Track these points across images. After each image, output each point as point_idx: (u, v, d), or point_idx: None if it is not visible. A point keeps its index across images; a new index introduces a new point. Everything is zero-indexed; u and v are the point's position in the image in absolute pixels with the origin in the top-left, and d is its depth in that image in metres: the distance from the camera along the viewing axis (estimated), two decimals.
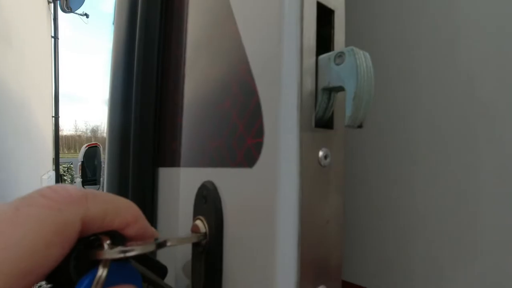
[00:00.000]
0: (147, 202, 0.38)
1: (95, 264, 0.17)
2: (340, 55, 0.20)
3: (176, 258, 0.32)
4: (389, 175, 0.41)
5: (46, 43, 3.40)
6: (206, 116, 0.28)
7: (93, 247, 0.18)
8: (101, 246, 0.18)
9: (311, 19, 0.21)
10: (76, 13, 3.57)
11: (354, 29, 0.45)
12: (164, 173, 0.37)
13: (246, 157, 0.23)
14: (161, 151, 0.38)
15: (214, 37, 0.28)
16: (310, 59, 0.21)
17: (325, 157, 0.22)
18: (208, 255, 0.23)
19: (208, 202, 0.24)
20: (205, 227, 0.24)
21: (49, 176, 3.46)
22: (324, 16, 0.23)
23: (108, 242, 0.18)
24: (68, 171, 5.36)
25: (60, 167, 4.31)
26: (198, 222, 0.24)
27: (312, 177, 0.22)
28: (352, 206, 0.45)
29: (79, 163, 3.66)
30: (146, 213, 0.40)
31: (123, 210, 0.19)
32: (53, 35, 3.46)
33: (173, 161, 0.35)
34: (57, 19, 3.47)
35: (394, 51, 0.42)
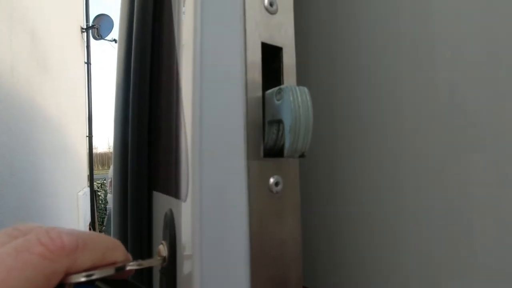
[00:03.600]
0: (144, 224, 0.41)
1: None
2: (279, 91, 0.22)
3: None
4: (381, 182, 0.41)
5: (80, 69, 3.69)
6: (172, 147, 0.30)
7: None
8: None
9: (256, 58, 0.23)
10: (106, 39, 3.85)
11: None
12: (157, 197, 0.40)
13: (183, 192, 0.24)
14: (155, 175, 0.41)
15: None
16: (256, 94, 0.23)
17: (276, 184, 0.24)
18: (167, 278, 0.25)
19: (167, 228, 0.26)
20: (165, 251, 0.26)
21: (84, 193, 3.67)
22: (274, 53, 0.25)
23: None
24: (101, 187, 5.66)
25: (94, 183, 4.58)
26: (160, 246, 0.27)
27: (263, 202, 0.23)
28: (336, 214, 0.45)
29: (109, 180, 3.86)
30: (142, 235, 0.43)
31: (109, 255, 0.22)
32: (86, 61, 3.75)
33: (162, 187, 0.37)
34: (90, 46, 3.76)
35: (367, 69, 0.42)
